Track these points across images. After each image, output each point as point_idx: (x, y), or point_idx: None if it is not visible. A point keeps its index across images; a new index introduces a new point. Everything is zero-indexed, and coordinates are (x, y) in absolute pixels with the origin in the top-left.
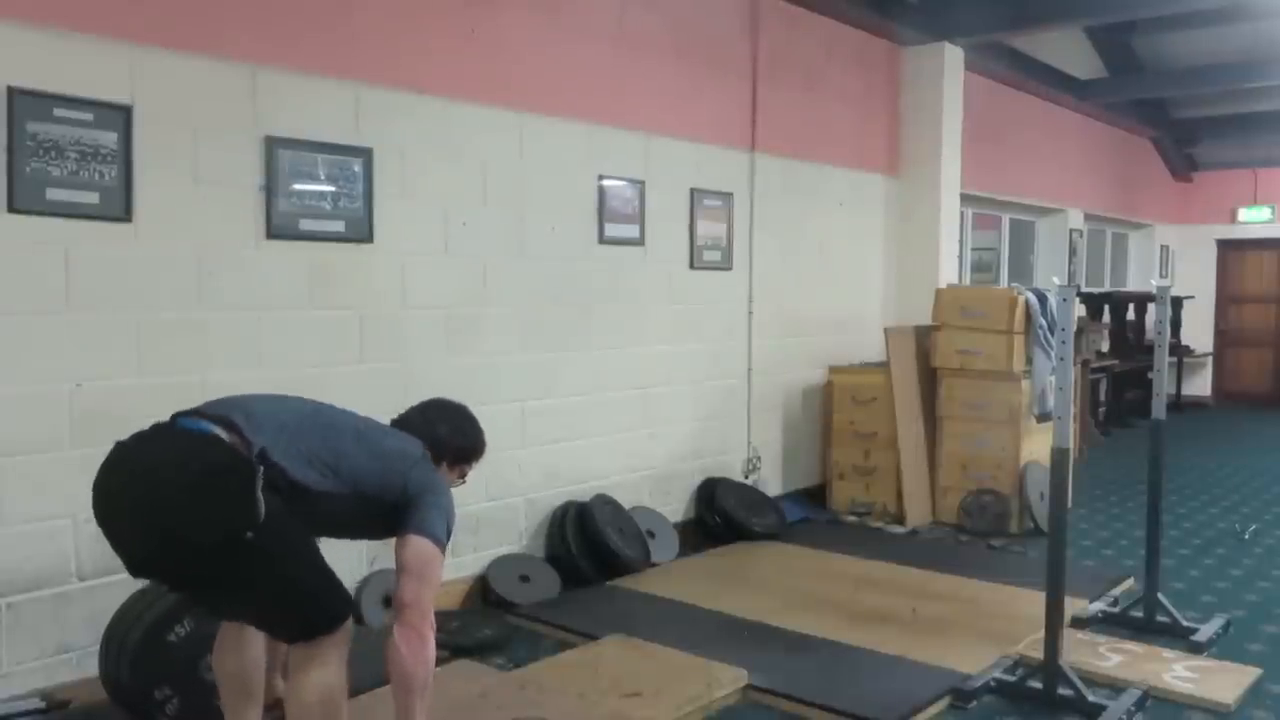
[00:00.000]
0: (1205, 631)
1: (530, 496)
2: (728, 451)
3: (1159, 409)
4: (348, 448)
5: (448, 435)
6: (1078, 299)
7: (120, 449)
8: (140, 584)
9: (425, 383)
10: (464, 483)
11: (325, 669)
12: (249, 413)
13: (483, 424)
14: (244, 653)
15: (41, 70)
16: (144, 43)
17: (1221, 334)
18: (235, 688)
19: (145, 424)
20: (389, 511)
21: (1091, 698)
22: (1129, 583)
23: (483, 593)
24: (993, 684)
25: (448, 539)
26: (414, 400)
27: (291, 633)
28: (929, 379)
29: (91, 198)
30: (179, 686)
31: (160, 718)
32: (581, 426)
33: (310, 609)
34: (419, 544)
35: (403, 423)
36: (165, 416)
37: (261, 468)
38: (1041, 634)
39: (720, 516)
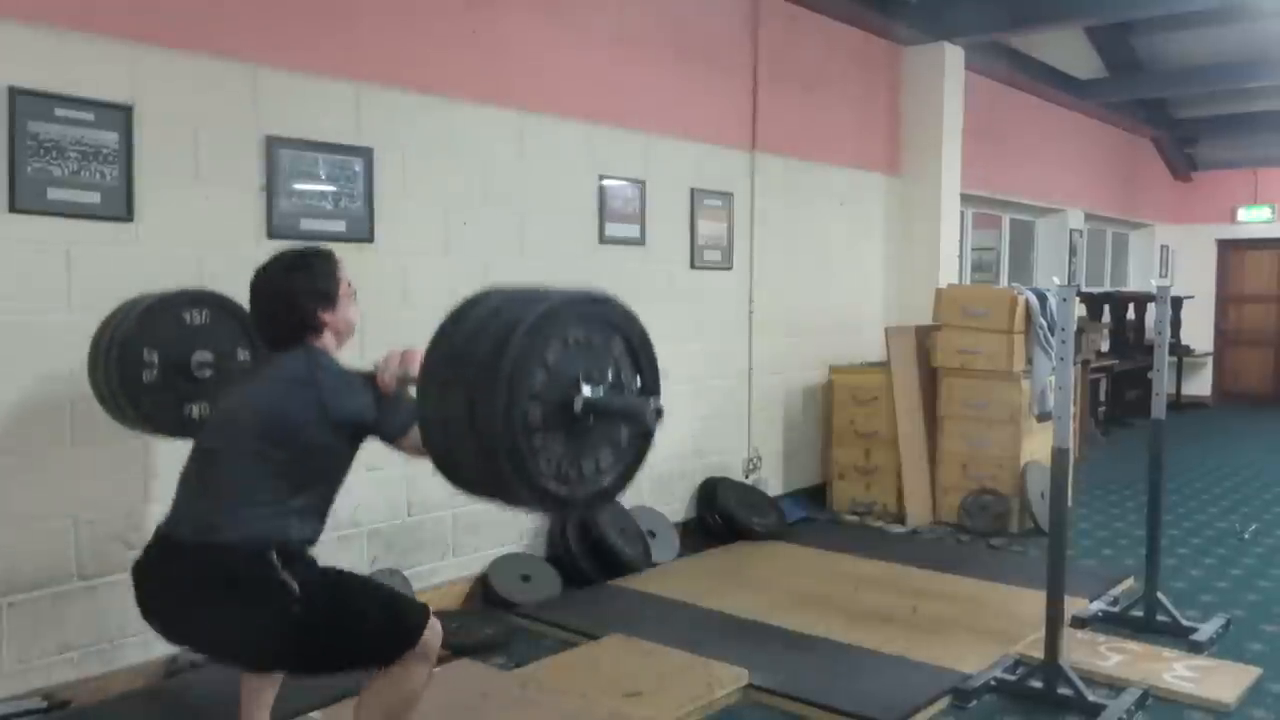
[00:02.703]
0: (1205, 631)
1: None
2: (728, 451)
3: (1159, 409)
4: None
5: (304, 298)
6: (1078, 299)
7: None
8: None
9: None
10: (355, 291)
11: (401, 682)
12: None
13: None
14: None
15: (42, 70)
16: (144, 43)
17: (1221, 334)
18: (262, 691)
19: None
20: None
21: (1091, 697)
22: (1129, 582)
23: (484, 593)
24: (993, 683)
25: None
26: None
27: (381, 664)
28: (929, 379)
29: (93, 197)
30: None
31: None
32: None
33: (385, 640)
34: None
35: (269, 339)
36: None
37: (273, 551)
38: (1041, 633)
39: (721, 516)
